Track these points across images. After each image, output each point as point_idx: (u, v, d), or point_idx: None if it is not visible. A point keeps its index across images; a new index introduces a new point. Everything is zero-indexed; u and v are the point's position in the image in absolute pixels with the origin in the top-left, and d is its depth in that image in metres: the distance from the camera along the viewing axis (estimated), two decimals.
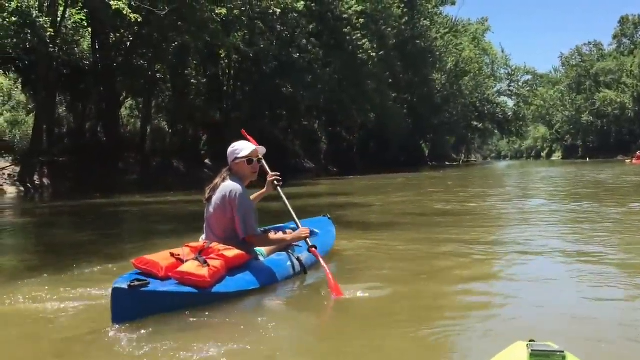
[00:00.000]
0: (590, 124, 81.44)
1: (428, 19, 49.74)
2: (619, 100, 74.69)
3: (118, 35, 22.60)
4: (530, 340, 1.85)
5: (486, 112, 68.89)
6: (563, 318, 3.25)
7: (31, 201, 14.36)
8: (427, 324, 3.21)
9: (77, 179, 18.60)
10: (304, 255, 4.18)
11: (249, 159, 4.01)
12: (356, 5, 32.96)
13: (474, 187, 17.73)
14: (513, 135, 79.26)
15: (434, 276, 4.39)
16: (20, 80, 21.97)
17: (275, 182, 4.31)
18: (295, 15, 28.13)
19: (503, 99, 75.30)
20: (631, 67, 74.87)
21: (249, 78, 30.96)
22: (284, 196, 4.31)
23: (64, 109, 23.08)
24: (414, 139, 54.66)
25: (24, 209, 12.37)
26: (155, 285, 3.25)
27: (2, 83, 20.62)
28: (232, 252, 3.63)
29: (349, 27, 32.40)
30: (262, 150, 4.17)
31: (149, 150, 24.66)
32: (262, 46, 27.06)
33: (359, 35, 32.95)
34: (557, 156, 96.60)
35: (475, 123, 69.75)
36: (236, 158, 4.00)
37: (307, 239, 4.15)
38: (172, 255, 3.54)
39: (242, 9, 22.62)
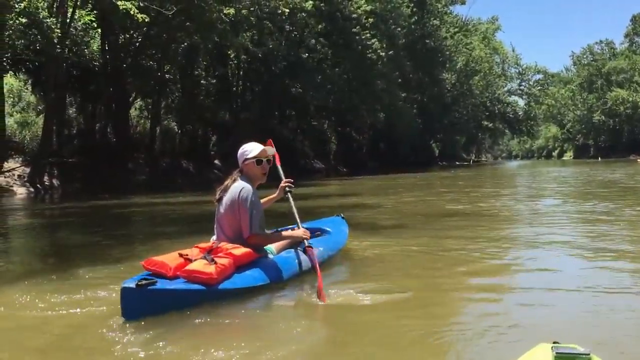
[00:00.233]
0: (602, 124, 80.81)
1: (438, 19, 49.61)
2: (630, 99, 74.10)
3: (127, 36, 22.69)
4: (554, 342, 1.83)
5: (497, 111, 68.65)
6: (584, 319, 3.22)
7: (41, 202, 14.41)
8: (443, 324, 3.16)
9: (86, 179, 18.64)
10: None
11: (258, 160, 4.06)
12: (365, 5, 32.87)
13: (485, 187, 17.61)
14: (524, 134, 79.00)
15: (448, 277, 4.33)
16: (30, 81, 22.08)
17: (287, 189, 4.42)
18: (304, 15, 28.09)
19: (514, 98, 75.18)
20: None
21: (258, 78, 30.98)
22: (292, 202, 4.43)
23: (74, 109, 23.16)
24: (424, 139, 54.50)
25: (34, 209, 12.40)
26: (162, 284, 3.30)
27: (12, 84, 20.74)
28: (240, 250, 3.69)
29: (358, 27, 32.29)
30: (270, 150, 4.19)
31: (158, 151, 24.69)
32: (270, 46, 27.09)
33: (368, 34, 32.83)
34: (568, 156, 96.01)
35: (485, 123, 69.53)
36: (246, 159, 4.06)
37: (305, 239, 4.20)
38: (181, 255, 3.59)
39: (251, 9, 22.58)
